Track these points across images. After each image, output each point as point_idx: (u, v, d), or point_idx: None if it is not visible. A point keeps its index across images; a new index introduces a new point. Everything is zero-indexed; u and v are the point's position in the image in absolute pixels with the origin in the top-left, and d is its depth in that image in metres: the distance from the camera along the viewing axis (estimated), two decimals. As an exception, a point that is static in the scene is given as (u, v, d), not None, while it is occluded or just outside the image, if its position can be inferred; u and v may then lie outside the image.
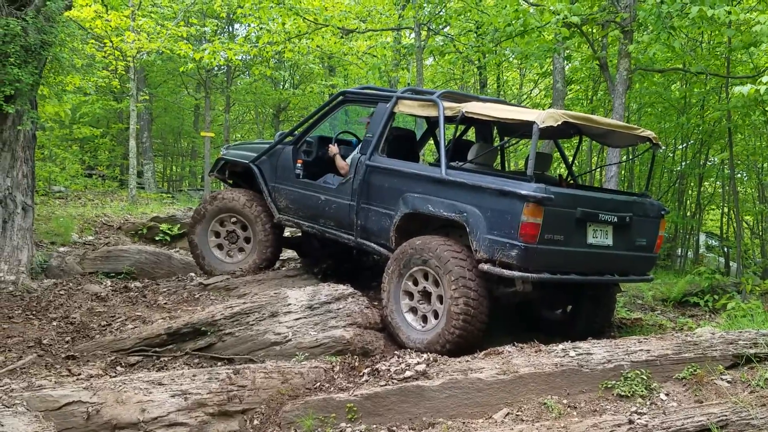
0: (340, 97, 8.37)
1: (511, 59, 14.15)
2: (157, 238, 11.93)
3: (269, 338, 6.79)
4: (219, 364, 6.73)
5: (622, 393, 4.73)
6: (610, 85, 10.02)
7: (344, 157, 8.36)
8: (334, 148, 8.27)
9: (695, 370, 4.76)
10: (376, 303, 7.51)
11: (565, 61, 10.96)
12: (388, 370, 5.85)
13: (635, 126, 7.39)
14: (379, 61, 16.65)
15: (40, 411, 4.75)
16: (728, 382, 4.65)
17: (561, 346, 5.33)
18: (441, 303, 6.54)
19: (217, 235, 9.09)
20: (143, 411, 4.92)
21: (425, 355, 6.03)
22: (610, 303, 7.62)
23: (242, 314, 7.02)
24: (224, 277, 9.14)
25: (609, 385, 4.83)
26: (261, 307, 7.08)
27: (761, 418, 4.23)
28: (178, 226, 12.04)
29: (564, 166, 8.72)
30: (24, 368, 6.68)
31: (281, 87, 21.54)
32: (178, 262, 10.10)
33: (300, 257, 10.13)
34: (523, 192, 6.06)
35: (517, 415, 4.74)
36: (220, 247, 9.11)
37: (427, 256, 6.58)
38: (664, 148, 7.38)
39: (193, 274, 9.69)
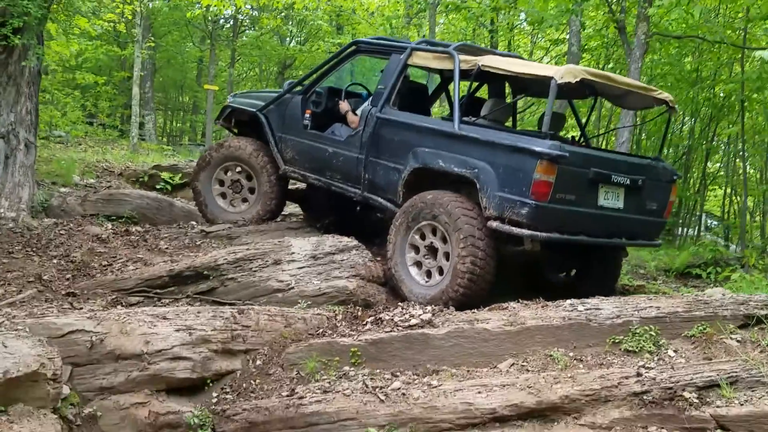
0: (352, 47, 8.17)
1: (523, 24, 13.93)
2: (158, 187, 11.81)
3: (272, 285, 6.75)
4: (222, 308, 6.70)
5: (630, 348, 4.69)
6: (626, 49, 9.88)
7: (355, 111, 8.24)
8: (345, 105, 8.08)
9: (705, 329, 4.73)
10: (379, 258, 7.47)
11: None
12: (392, 319, 5.81)
13: (653, 87, 7.24)
14: (391, 14, 16.38)
15: (44, 337, 4.69)
16: (738, 341, 4.61)
17: (569, 301, 5.29)
18: (447, 260, 6.44)
19: (222, 183, 8.94)
20: (147, 343, 4.88)
21: (429, 307, 5.99)
22: (616, 268, 7.55)
23: (245, 260, 6.96)
24: (226, 226, 9.06)
25: (617, 340, 4.80)
26: (264, 254, 7.02)
27: (772, 376, 4.22)
28: (180, 175, 11.92)
29: (577, 128, 8.56)
30: (23, 302, 6.64)
31: (287, 43, 21.32)
32: (180, 210, 10.01)
33: (303, 211, 10.03)
34: (538, 149, 5.92)
35: (522, 365, 4.71)
36: (223, 195, 8.98)
37: (437, 212, 6.47)
38: (679, 111, 7.21)
39: (194, 222, 9.62)
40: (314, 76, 8.45)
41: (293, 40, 21.52)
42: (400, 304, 6.44)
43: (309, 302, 6.53)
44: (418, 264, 6.72)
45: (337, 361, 5.12)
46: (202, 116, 28.69)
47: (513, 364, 4.75)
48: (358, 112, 7.88)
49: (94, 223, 9.23)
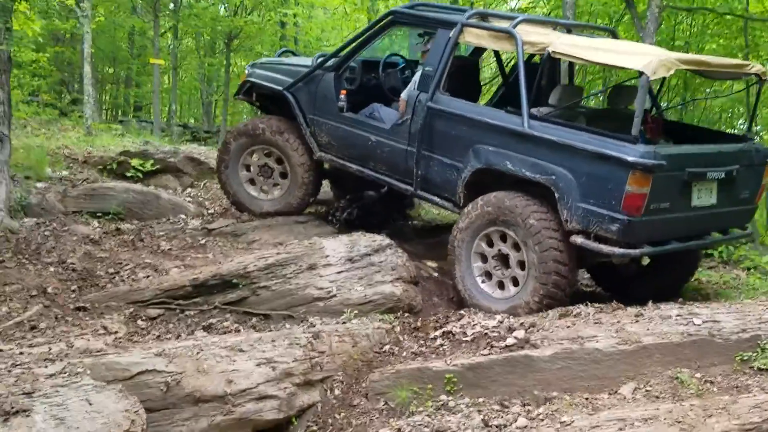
0: (389, 17, 7.29)
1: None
2: (128, 174, 10.92)
3: (311, 293, 6.20)
4: (253, 319, 6.14)
5: (763, 366, 4.35)
6: (636, 24, 9.52)
7: (396, 87, 7.48)
8: (402, 104, 7.17)
9: (839, 343, 4.45)
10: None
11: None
12: (464, 332, 5.38)
13: (746, 62, 6.65)
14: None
15: (107, 381, 4.05)
16: None
17: (672, 311, 4.91)
18: (521, 269, 5.93)
19: (249, 169, 8.23)
20: (229, 382, 4.33)
21: (498, 317, 5.56)
22: (696, 261, 7.04)
23: (277, 266, 6.37)
24: (230, 222, 8.44)
25: (745, 357, 4.45)
26: (297, 259, 6.44)
27: None
28: (151, 161, 11.09)
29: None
30: (32, 320, 5.93)
31: (232, 14, 20.24)
32: (167, 202, 9.25)
33: (338, 196, 9.22)
34: (630, 158, 5.32)
35: (647, 390, 4.33)
36: (252, 182, 8.26)
37: (512, 220, 5.89)
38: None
39: (183, 216, 8.94)
40: (347, 50, 7.59)
41: (238, 9, 20.42)
42: (461, 311, 6.01)
43: (355, 311, 6.03)
44: (488, 274, 6.20)
45: (430, 389, 4.64)
46: (136, 90, 27.32)
47: (636, 389, 4.37)
48: (404, 94, 7.08)
49: (78, 221, 8.43)
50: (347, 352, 5.09)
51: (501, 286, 6.15)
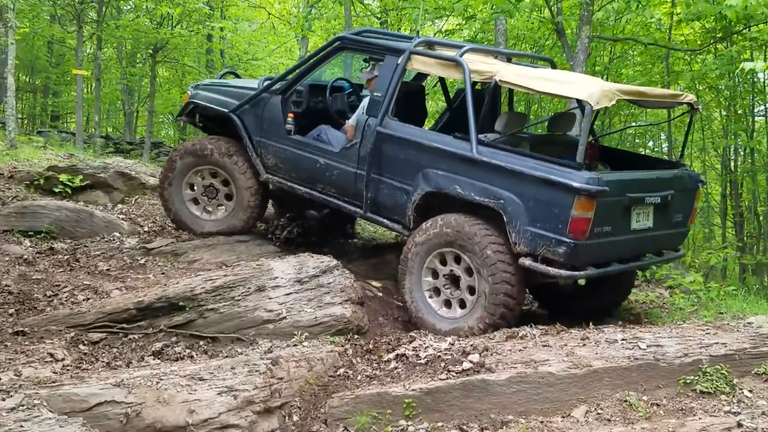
0: (337, 43, 7.39)
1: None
2: (56, 190, 10.58)
3: (260, 315, 6.17)
4: (201, 342, 6.07)
5: (704, 389, 4.56)
6: (567, 53, 9.86)
7: (342, 111, 7.53)
8: (350, 129, 7.28)
9: (774, 365, 4.71)
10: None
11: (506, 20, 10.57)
12: (417, 355, 5.45)
13: (679, 93, 6.95)
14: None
15: (65, 413, 3.95)
16: (810, 378, 4.63)
17: (617, 335, 5.09)
18: (471, 294, 6.09)
19: (193, 188, 8.15)
20: (191, 413, 4.23)
21: (449, 340, 5.67)
22: (631, 283, 7.33)
23: (225, 288, 6.33)
24: (169, 240, 8.32)
25: (688, 381, 4.65)
26: (245, 281, 6.41)
27: None
28: (81, 177, 10.79)
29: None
30: (-35, 345, 5.70)
31: (160, 26, 19.89)
32: (101, 220, 9.01)
33: (279, 214, 9.11)
34: (575, 185, 5.52)
35: (598, 413, 4.49)
36: (196, 201, 8.19)
37: (468, 246, 6.02)
38: (701, 110, 6.94)
39: (118, 234, 8.75)
40: (294, 73, 7.62)
41: (164, 21, 20.07)
42: (412, 334, 6.08)
43: (306, 333, 6.03)
44: (436, 290, 6.32)
45: (389, 414, 4.67)
46: (54, 99, 26.56)
47: (587, 412, 4.51)
48: (352, 120, 7.20)
49: (10, 240, 8.15)
50: (303, 376, 5.09)
51: (448, 304, 6.29)
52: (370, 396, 4.75)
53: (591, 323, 5.85)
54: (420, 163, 6.49)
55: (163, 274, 7.50)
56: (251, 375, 4.68)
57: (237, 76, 9.83)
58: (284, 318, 6.15)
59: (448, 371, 4.85)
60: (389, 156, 6.73)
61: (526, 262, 5.82)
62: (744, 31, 10.79)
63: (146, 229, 9.23)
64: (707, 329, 5.13)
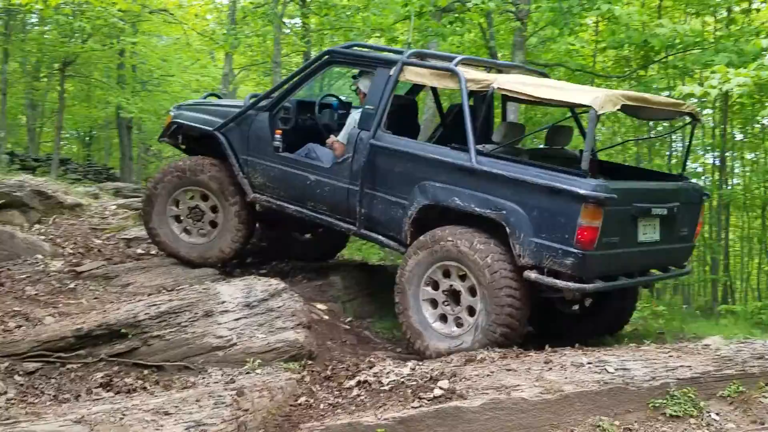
0: (326, 57, 7.16)
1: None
2: (-29, 211, 10.03)
3: (209, 342, 5.91)
4: (145, 372, 5.76)
5: (673, 413, 4.56)
6: (502, 78, 9.96)
7: (331, 127, 7.30)
8: (333, 140, 7.08)
9: (738, 388, 4.75)
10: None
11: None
12: (379, 381, 5.31)
13: (681, 101, 6.69)
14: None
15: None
16: (772, 399, 4.73)
17: (585, 358, 5.08)
18: (470, 315, 5.92)
19: (178, 214, 7.78)
20: (160, 450, 3.98)
21: (410, 365, 5.55)
22: (635, 300, 7.14)
23: (171, 314, 6.04)
24: (100, 263, 7.94)
25: (657, 405, 4.65)
26: (192, 306, 6.14)
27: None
28: (-3, 198, 10.20)
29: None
30: None
31: (70, 39, 19.16)
32: (22, 241, 8.54)
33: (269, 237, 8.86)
34: (582, 192, 5.34)
35: (574, 438, 4.47)
36: (179, 220, 7.81)
37: (467, 258, 5.81)
38: (704, 122, 6.88)
39: (40, 256, 8.30)
40: (281, 90, 7.38)
41: (76, 35, 19.35)
42: (371, 359, 5.93)
43: (258, 360, 5.80)
44: (433, 302, 6.11)
45: (361, 444, 4.53)
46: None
47: (563, 437, 4.50)
48: (342, 135, 6.95)
49: (-77, 263, 7.60)
50: (266, 407, 4.87)
51: (444, 319, 6.11)
52: (340, 427, 4.58)
53: (548, 346, 5.78)
54: (416, 175, 6.27)
55: (96, 299, 7.13)
56: (217, 408, 4.45)
57: (218, 96, 9.59)
58: (235, 344, 5.92)
59: (420, 399, 4.72)
60: (383, 169, 6.52)
61: (532, 275, 5.62)
62: (666, 58, 11.21)
63: (69, 250, 8.81)
64: (669, 352, 5.18)
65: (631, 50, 11.72)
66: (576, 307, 7.09)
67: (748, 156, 19.78)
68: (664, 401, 4.68)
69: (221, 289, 6.37)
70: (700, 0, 12.23)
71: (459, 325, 6.05)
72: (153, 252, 8.86)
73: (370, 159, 6.55)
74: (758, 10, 13.64)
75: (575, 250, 5.44)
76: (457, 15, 9.85)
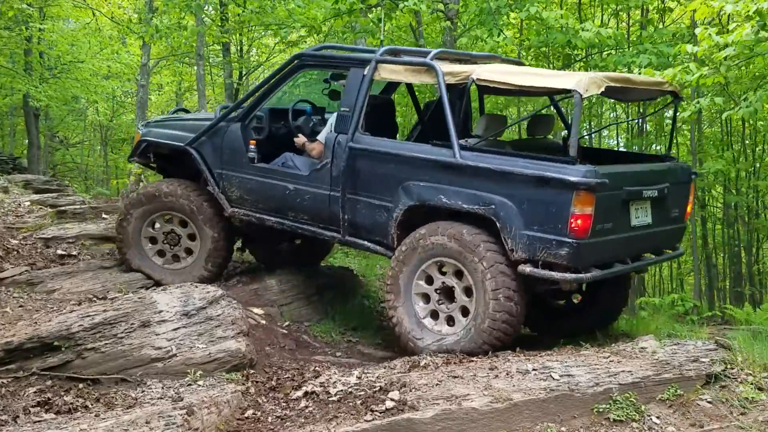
0: (296, 61, 6.97)
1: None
2: None
3: (148, 353, 5.75)
4: (81, 386, 5.56)
5: (617, 418, 4.69)
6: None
7: (305, 133, 7.13)
8: (302, 139, 7.02)
9: (676, 391, 4.92)
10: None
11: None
12: (327, 392, 5.29)
13: (663, 80, 6.65)
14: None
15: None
16: (709, 402, 4.88)
17: (530, 364, 5.17)
18: (463, 315, 5.92)
19: (153, 238, 7.63)
20: (114, 477, 3.84)
21: (356, 373, 5.54)
22: (627, 290, 7.05)
23: (106, 325, 5.84)
24: (22, 269, 7.62)
25: (601, 410, 4.78)
26: (128, 316, 5.94)
27: (776, 443, 4.58)
28: None
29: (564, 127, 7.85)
30: None
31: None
32: (-70, 248, 8.13)
33: (251, 252, 8.75)
34: (573, 179, 5.28)
35: (525, 446, 4.57)
36: (155, 244, 7.67)
37: (461, 255, 5.75)
38: (685, 99, 6.80)
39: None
40: (252, 99, 7.21)
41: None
42: (317, 368, 5.90)
43: (199, 371, 5.68)
44: (425, 297, 6.06)
45: (316, 459, 4.51)
46: None
47: (514, 446, 4.58)
48: (321, 137, 6.81)
49: None
50: (215, 423, 4.77)
51: (435, 316, 6.10)
52: (294, 443, 4.53)
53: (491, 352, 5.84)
54: (399, 176, 6.19)
55: (21, 307, 6.82)
56: (168, 429, 4.33)
57: (187, 111, 9.40)
58: (174, 355, 5.77)
59: (372, 411, 4.71)
60: (365, 173, 6.41)
61: (527, 269, 5.60)
62: (586, 58, 11.48)
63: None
64: (610, 357, 5.33)
65: (553, 50, 11.95)
66: (563, 302, 7.15)
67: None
68: (608, 406, 4.82)
69: (157, 298, 6.20)
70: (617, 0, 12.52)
71: (451, 323, 6.04)
72: (74, 253, 8.62)
73: (350, 163, 6.44)
74: (671, 9, 14.15)
75: (569, 240, 5.41)
76: (386, 12, 9.81)
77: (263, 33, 19.87)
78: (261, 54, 23.20)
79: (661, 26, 13.00)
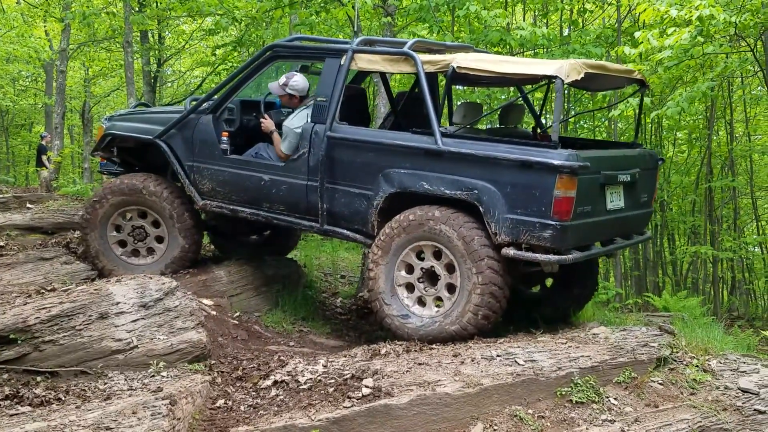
0: (269, 53, 6.93)
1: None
2: None
3: (108, 345, 5.70)
4: (38, 378, 5.47)
5: (578, 400, 4.94)
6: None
7: (280, 126, 7.07)
8: (269, 124, 6.96)
9: (630, 374, 5.20)
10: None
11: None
12: (296, 380, 5.36)
13: (632, 69, 6.81)
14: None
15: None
16: (660, 384, 5.20)
17: (494, 351, 5.37)
18: (449, 292, 5.95)
19: (119, 230, 7.56)
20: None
21: (322, 362, 5.63)
22: (595, 276, 7.22)
23: (63, 317, 5.75)
24: (-44, 263, 7.35)
25: (563, 393, 5.03)
26: (85, 308, 5.87)
27: (730, 422, 4.92)
28: None
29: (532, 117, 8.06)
30: None
31: None
32: None
33: (217, 243, 8.68)
34: (556, 162, 5.40)
35: (495, 429, 4.75)
36: (123, 244, 7.61)
37: (445, 236, 5.81)
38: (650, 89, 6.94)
39: None
40: (223, 90, 7.12)
41: None
42: (281, 357, 5.96)
43: (162, 363, 5.67)
44: (409, 287, 6.11)
45: (295, 446, 4.58)
46: None
47: (485, 429, 4.73)
48: (296, 122, 6.79)
49: None
50: (191, 413, 4.80)
51: (421, 302, 6.17)
52: (276, 430, 4.60)
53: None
54: (379, 164, 6.23)
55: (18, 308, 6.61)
56: (156, 419, 4.31)
57: (148, 106, 9.18)
58: (136, 347, 5.74)
59: (350, 398, 4.82)
60: (344, 161, 6.43)
61: (510, 251, 5.70)
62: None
63: None
64: (566, 342, 5.61)
65: (487, 47, 12.25)
66: (532, 289, 7.33)
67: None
68: (569, 389, 5.08)
69: (114, 290, 6.13)
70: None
71: (435, 305, 6.13)
72: (1, 244, 8.40)
73: (329, 152, 6.46)
74: (591, 11, 14.71)
75: (553, 222, 5.53)
76: (323, 5, 9.87)
77: (178, 22, 19.57)
78: (177, 41, 22.78)
79: (582, 27, 13.48)
